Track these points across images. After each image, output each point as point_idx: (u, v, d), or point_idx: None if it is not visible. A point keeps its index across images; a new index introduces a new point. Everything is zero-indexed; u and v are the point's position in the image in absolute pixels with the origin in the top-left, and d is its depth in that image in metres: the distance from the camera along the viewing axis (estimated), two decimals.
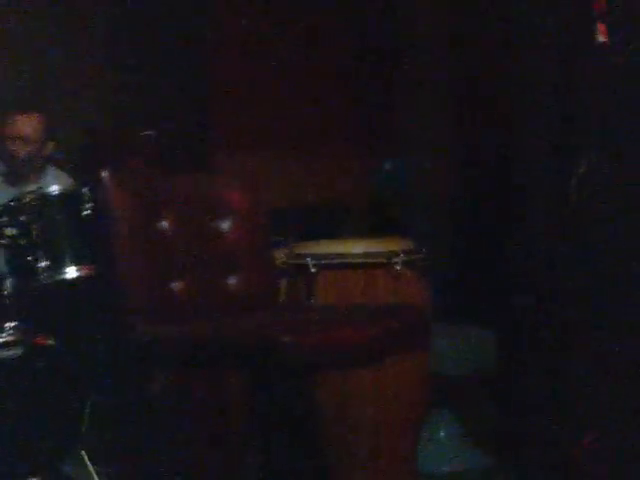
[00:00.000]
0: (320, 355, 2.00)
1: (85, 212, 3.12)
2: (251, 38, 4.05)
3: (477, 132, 3.66)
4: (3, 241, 2.82)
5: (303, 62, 4.04)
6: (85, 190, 3.18)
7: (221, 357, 2.12)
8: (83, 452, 3.06)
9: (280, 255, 2.73)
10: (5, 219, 3.09)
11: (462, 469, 3.33)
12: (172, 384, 2.36)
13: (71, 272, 3.09)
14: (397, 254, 2.71)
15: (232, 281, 2.35)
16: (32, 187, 3.40)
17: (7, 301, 3.06)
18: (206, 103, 4.02)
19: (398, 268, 2.69)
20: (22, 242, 2.91)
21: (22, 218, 3.03)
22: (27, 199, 3.07)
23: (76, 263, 3.08)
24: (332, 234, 2.80)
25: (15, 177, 3.66)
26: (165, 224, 2.27)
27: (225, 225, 2.39)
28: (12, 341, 3.02)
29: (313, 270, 2.63)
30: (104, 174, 2.14)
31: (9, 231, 2.90)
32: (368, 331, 2.19)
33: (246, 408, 2.20)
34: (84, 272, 3.08)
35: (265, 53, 4.05)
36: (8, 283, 3.03)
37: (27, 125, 3.63)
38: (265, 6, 4.12)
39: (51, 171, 3.78)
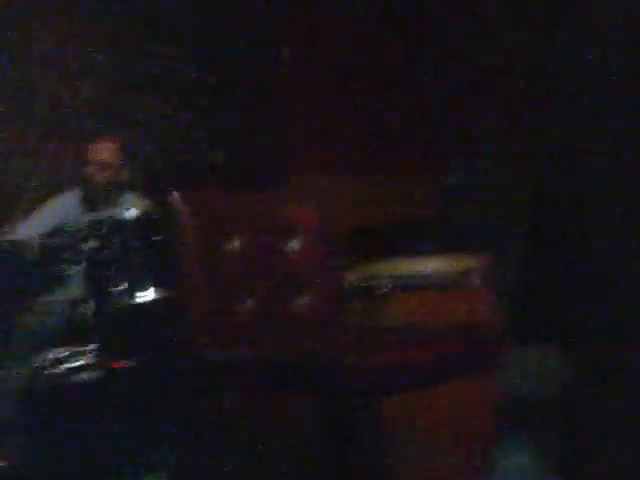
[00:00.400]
0: (387, 377, 1.97)
1: (159, 236, 3.19)
2: (325, 55, 4.06)
3: (550, 145, 3.58)
4: (84, 264, 2.88)
5: (376, 80, 4.04)
6: (160, 213, 3.25)
7: (288, 379, 2.11)
8: (163, 475, 3.09)
9: (350, 275, 2.71)
10: (86, 242, 3.18)
11: None
12: (240, 405, 2.36)
13: (148, 295, 3.15)
14: (470, 272, 2.66)
15: (301, 301, 2.34)
16: (110, 212, 3.49)
17: (87, 324, 3.13)
18: (278, 122, 4.04)
19: (472, 286, 2.64)
20: (102, 265, 2.97)
21: (102, 242, 3.12)
22: (107, 223, 3.15)
23: (152, 286, 3.14)
24: (404, 252, 2.75)
25: (94, 202, 3.74)
26: (234, 244, 2.28)
27: (294, 245, 2.39)
28: (91, 364, 3.09)
29: (384, 290, 2.61)
30: (174, 195, 2.17)
31: (90, 253, 2.96)
32: (437, 351, 2.15)
33: (313, 430, 2.18)
34: (160, 295, 3.14)
35: (339, 70, 4.05)
36: (88, 306, 3.10)
37: (105, 151, 3.72)
38: (342, 24, 4.13)
39: (128, 196, 3.85)
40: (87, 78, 4.28)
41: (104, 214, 3.41)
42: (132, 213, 3.25)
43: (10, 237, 3.36)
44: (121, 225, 3.16)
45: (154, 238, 3.17)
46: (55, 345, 3.33)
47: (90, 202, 3.74)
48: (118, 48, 4.32)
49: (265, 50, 4.28)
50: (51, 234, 3.67)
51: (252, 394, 2.39)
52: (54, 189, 4.04)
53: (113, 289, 3.09)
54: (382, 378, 1.97)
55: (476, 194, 3.66)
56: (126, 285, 3.08)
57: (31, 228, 3.65)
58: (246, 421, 2.40)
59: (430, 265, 2.68)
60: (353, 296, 2.66)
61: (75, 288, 3.22)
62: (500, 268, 2.85)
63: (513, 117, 3.84)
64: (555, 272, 3.41)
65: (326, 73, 4.09)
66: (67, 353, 3.20)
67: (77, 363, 3.08)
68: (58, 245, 2.77)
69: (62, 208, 3.78)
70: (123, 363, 3.12)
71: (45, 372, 3.12)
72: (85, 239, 3.13)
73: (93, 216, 3.54)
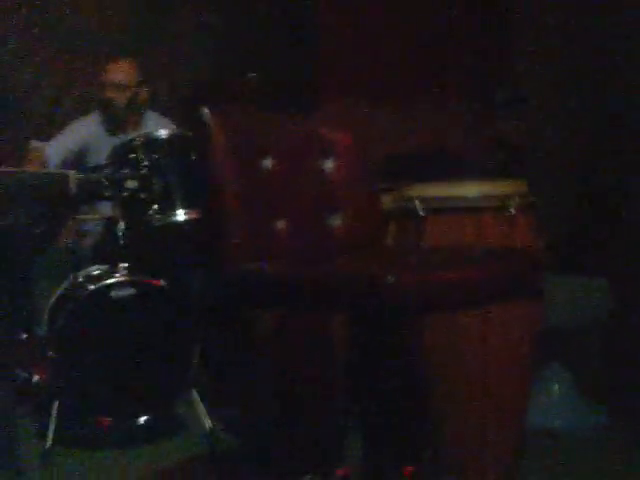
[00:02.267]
0: (425, 296, 1.93)
1: (191, 155, 3.15)
2: None
3: (596, 79, 3.47)
4: (114, 186, 2.85)
5: (413, 5, 3.90)
6: (191, 134, 3.20)
7: (323, 298, 2.08)
8: (195, 391, 3.12)
9: (389, 198, 2.65)
10: (115, 165, 3.15)
11: (575, 425, 3.21)
12: (274, 326, 2.35)
13: (180, 215, 3.13)
14: (511, 197, 2.59)
15: (336, 221, 2.29)
16: (134, 134, 3.45)
17: (121, 243, 3.12)
18: (314, 44, 3.95)
19: (512, 212, 2.57)
20: (132, 186, 2.95)
21: (131, 163, 3.09)
22: (135, 144, 3.11)
23: (184, 206, 3.12)
24: (443, 177, 2.69)
25: (116, 125, 3.68)
26: (268, 163, 2.23)
27: (329, 165, 2.33)
28: (126, 281, 3.10)
29: (422, 213, 2.55)
30: (206, 114, 2.11)
31: (120, 176, 2.93)
32: (477, 273, 2.10)
33: (349, 351, 2.16)
34: (192, 215, 3.12)
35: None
36: (121, 226, 3.09)
37: (120, 71, 3.65)
38: None
39: (152, 117, 3.80)
40: None
41: (130, 136, 3.36)
42: (161, 133, 3.20)
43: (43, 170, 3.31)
44: (150, 146, 3.12)
45: (185, 159, 3.14)
46: (89, 263, 3.35)
47: (112, 124, 3.69)
48: None
49: None
50: (79, 158, 3.66)
51: (286, 313, 2.38)
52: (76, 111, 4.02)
53: (145, 209, 3.07)
54: (419, 299, 1.93)
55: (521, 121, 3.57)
56: (157, 206, 3.06)
57: (57, 150, 3.63)
58: (282, 341, 2.39)
59: (468, 189, 2.61)
60: (390, 218, 2.61)
61: (108, 208, 3.21)
62: (540, 196, 2.78)
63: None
64: (600, 201, 3.34)
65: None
66: (102, 270, 3.22)
67: (111, 280, 3.09)
68: (96, 181, 2.72)
69: (85, 129, 3.74)
70: (157, 281, 3.12)
71: (80, 287, 3.13)
72: (113, 160, 3.10)
73: (118, 139, 3.50)
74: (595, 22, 3.55)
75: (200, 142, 2.30)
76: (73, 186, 2.43)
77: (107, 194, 2.84)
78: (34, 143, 3.58)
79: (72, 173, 2.44)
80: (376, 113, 3.27)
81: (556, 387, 3.30)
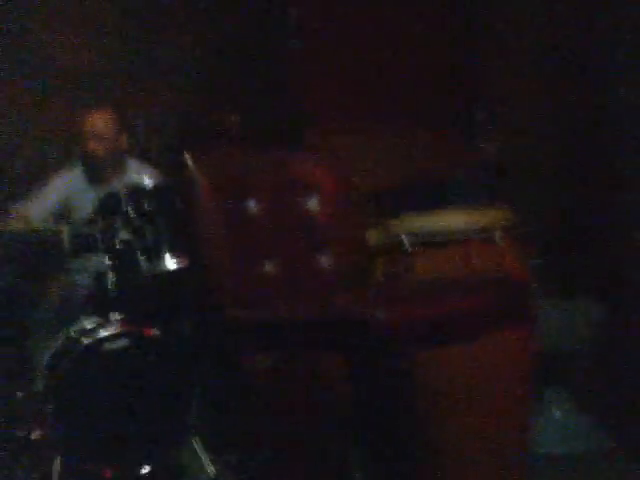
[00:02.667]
0: (416, 331, 1.94)
1: (177, 202, 3.15)
2: (342, 10, 3.97)
3: (577, 99, 3.50)
4: (108, 239, 2.84)
5: (396, 35, 3.94)
6: (176, 181, 3.20)
7: (315, 337, 2.08)
8: (196, 439, 3.10)
9: (376, 234, 2.66)
10: (106, 217, 3.16)
11: (579, 450, 3.18)
12: (268, 367, 2.34)
13: (170, 263, 3.13)
14: (497, 226, 2.60)
15: (324, 261, 2.30)
16: (117, 183, 3.44)
17: (113, 294, 3.12)
18: (294, 80, 3.98)
19: (498, 241, 2.59)
20: (126, 238, 2.94)
21: (120, 215, 3.09)
22: (121, 195, 3.12)
23: (174, 255, 3.12)
24: (429, 209, 2.70)
25: (98, 176, 3.67)
26: (253, 205, 2.24)
27: (316, 204, 2.35)
28: (119, 333, 3.09)
29: (409, 248, 2.56)
30: (188, 159, 2.13)
31: (113, 228, 2.92)
32: (467, 305, 2.11)
33: (342, 388, 2.16)
34: (182, 263, 3.12)
35: (358, 26, 3.96)
36: (111, 277, 3.09)
37: (98, 121, 3.64)
38: None
39: (133, 164, 3.78)
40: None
41: (116, 186, 3.36)
42: (147, 182, 3.21)
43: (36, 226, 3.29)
44: (140, 194, 3.12)
45: (173, 204, 3.14)
46: (82, 315, 3.34)
47: (94, 175, 3.68)
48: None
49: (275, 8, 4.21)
50: (61, 212, 3.65)
51: (280, 355, 2.37)
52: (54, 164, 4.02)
53: (136, 259, 3.08)
54: (410, 334, 1.94)
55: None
56: (146, 255, 3.06)
57: (39, 209, 3.62)
58: (276, 382, 2.38)
59: (454, 220, 2.62)
60: (378, 254, 2.62)
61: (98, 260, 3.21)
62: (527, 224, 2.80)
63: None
64: (586, 223, 3.35)
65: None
66: (95, 323, 3.21)
67: (105, 332, 3.08)
68: (89, 234, 2.70)
69: (66, 184, 3.73)
70: (150, 330, 3.12)
71: (74, 342, 3.12)
72: (101, 212, 3.10)
73: (101, 189, 3.50)
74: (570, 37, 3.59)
75: (184, 187, 2.31)
76: (67, 241, 2.43)
77: (100, 247, 2.83)
78: (16, 204, 3.57)
79: (66, 228, 2.44)
80: (358, 148, 3.29)
81: (556, 411, 3.29)
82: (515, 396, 2.47)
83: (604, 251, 3.34)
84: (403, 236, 2.57)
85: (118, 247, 2.88)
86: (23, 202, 3.64)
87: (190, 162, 2.08)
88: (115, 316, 3.13)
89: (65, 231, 2.44)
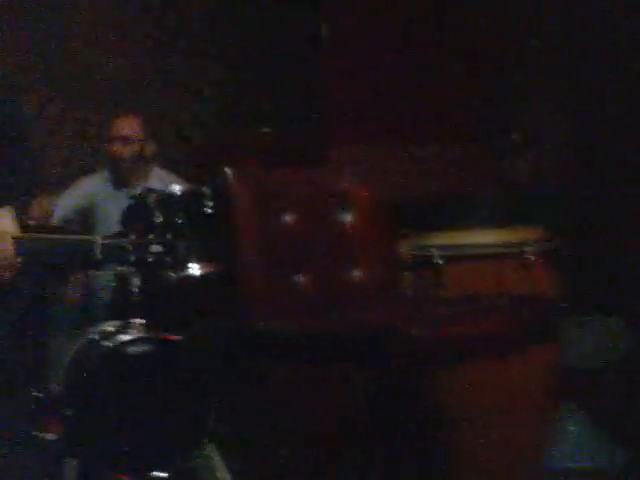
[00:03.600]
0: (448, 348, 1.93)
1: (206, 210, 3.15)
2: (368, 28, 3.98)
3: (605, 120, 3.49)
4: (139, 251, 2.83)
5: (423, 52, 3.94)
6: (205, 189, 3.20)
7: (345, 351, 2.07)
8: (212, 446, 3.09)
9: (406, 247, 2.66)
10: (129, 219, 3.16)
11: (592, 466, 3.17)
12: (296, 379, 2.33)
13: (195, 269, 3.13)
14: (528, 243, 2.59)
15: (355, 274, 2.29)
16: (140, 188, 3.45)
17: (136, 298, 3.12)
18: (324, 95, 3.98)
19: (529, 258, 2.57)
20: (157, 251, 2.93)
21: (145, 217, 3.09)
22: (148, 201, 3.12)
23: (198, 261, 3.12)
24: (460, 224, 2.69)
25: (123, 179, 3.70)
26: (286, 218, 2.24)
27: (347, 218, 2.34)
28: (142, 337, 3.09)
29: (439, 262, 2.55)
30: (227, 174, 2.13)
31: (145, 241, 2.89)
32: (497, 323, 2.10)
33: (371, 402, 2.15)
34: (207, 269, 3.11)
35: (384, 42, 3.97)
36: (135, 281, 3.09)
37: (126, 126, 3.68)
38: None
39: (157, 171, 3.81)
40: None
41: (136, 190, 3.36)
42: (176, 188, 3.21)
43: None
44: (167, 201, 3.12)
45: (202, 212, 3.14)
46: (103, 319, 3.34)
47: (118, 178, 3.70)
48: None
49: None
50: (84, 212, 3.67)
51: (307, 367, 2.36)
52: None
53: (159, 263, 3.07)
54: (440, 349, 1.93)
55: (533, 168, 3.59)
56: (171, 260, 3.05)
57: (63, 207, 3.65)
58: (302, 394, 2.37)
59: (486, 237, 2.61)
60: (409, 267, 2.61)
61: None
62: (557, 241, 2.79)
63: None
64: (616, 242, 3.34)
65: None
66: (116, 326, 3.21)
67: (127, 336, 3.07)
68: (121, 246, 2.68)
69: (91, 185, 3.75)
70: (173, 336, 3.11)
71: (96, 344, 3.12)
72: (127, 215, 3.11)
73: (125, 192, 3.51)
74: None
75: (220, 200, 2.31)
76: (98, 251, 2.43)
77: (132, 259, 2.82)
78: (41, 199, 3.59)
79: (98, 238, 2.44)
80: (390, 162, 3.28)
81: (572, 427, 3.27)
82: (540, 412, 2.46)
83: (624, 267, 3.33)
84: (433, 250, 2.56)
85: (149, 259, 2.85)
86: (48, 200, 3.66)
87: (227, 176, 2.08)
88: (137, 320, 3.13)
89: (97, 241, 2.44)
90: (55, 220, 3.61)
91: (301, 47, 4.09)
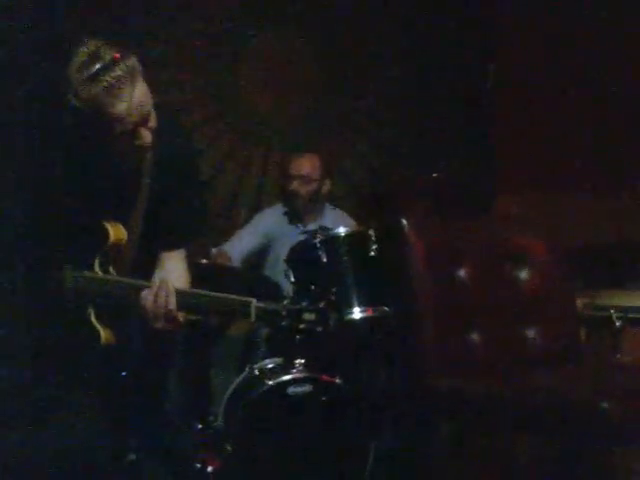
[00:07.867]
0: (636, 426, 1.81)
1: (371, 253, 3.13)
2: (536, 78, 3.90)
3: None
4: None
5: (602, 97, 3.81)
6: (371, 232, 3.19)
7: (518, 416, 1.99)
8: None
9: (580, 304, 2.54)
10: (296, 257, 3.19)
11: None
12: (462, 439, 2.27)
13: (356, 313, 3.11)
14: None
15: (532, 333, 2.21)
16: (313, 225, 3.49)
17: (297, 338, 3.12)
18: (494, 143, 3.92)
19: None
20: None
21: (311, 256, 3.11)
22: (314, 242, 3.14)
23: (360, 304, 3.10)
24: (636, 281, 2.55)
25: (298, 216, 3.75)
26: (462, 272, 2.19)
27: (524, 274, 2.27)
28: (303, 377, 3.09)
29: (618, 324, 2.42)
30: (404, 225, 2.11)
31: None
32: None
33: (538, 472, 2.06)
34: (368, 313, 3.09)
35: (551, 91, 3.87)
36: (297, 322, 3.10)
37: (307, 165, 3.74)
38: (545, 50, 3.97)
39: (329, 210, 3.85)
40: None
41: (310, 228, 3.40)
42: (342, 230, 3.21)
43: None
44: (331, 240, 3.13)
45: (364, 256, 3.12)
46: (264, 356, 3.37)
47: (294, 215, 3.76)
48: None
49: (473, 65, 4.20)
50: (262, 250, 3.75)
51: (471, 427, 2.29)
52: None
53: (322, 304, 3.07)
54: (633, 425, 1.82)
55: None
56: (334, 302, 3.05)
57: (239, 248, 3.73)
58: (462, 452, 2.30)
59: None
60: (587, 329, 2.50)
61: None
62: None
63: None
64: None
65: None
66: (276, 364, 3.23)
67: (288, 375, 3.09)
68: (275, 311, 2.70)
69: (267, 221, 3.82)
70: (333, 378, 3.10)
71: (258, 380, 3.15)
72: (294, 253, 3.14)
73: (299, 229, 3.55)
74: None
75: (395, 249, 2.29)
76: (253, 314, 2.47)
77: (284, 325, 2.83)
78: (215, 250, 3.69)
79: (254, 301, 2.47)
80: (566, 214, 3.16)
81: None
82: None
83: None
84: (612, 311, 2.43)
85: (301, 327, 2.84)
86: (227, 242, 3.78)
87: (404, 227, 2.05)
88: (299, 360, 3.14)
89: (253, 304, 2.48)
90: (235, 262, 3.71)
91: (478, 93, 4.06)
